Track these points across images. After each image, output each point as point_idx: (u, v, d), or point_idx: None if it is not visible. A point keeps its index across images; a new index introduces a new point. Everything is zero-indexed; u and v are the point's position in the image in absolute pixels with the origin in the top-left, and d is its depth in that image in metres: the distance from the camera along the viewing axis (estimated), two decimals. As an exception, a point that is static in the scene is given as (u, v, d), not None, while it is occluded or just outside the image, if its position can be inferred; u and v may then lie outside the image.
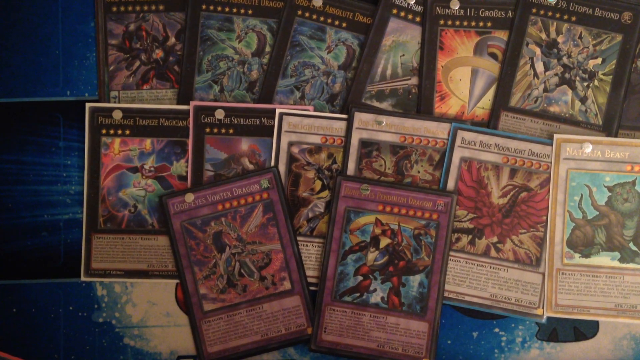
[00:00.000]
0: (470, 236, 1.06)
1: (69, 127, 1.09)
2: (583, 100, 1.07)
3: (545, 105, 1.07)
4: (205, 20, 1.10)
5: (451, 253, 1.06)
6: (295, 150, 1.08)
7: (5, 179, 1.09)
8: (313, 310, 1.06)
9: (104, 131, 1.08)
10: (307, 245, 1.08)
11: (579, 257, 1.05)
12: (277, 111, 1.07)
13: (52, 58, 1.10)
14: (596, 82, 1.07)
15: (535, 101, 1.07)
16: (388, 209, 1.06)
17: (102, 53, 1.10)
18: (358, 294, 1.06)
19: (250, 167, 1.08)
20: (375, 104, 1.09)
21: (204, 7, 1.09)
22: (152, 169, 1.08)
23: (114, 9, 1.10)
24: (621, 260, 1.05)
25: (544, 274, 1.06)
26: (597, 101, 1.06)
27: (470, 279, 1.06)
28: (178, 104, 1.10)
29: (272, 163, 1.08)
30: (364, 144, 1.07)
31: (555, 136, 1.05)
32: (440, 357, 1.08)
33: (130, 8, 1.10)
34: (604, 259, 1.05)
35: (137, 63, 1.10)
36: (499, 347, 1.07)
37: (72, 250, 1.09)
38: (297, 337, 1.06)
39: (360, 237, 1.06)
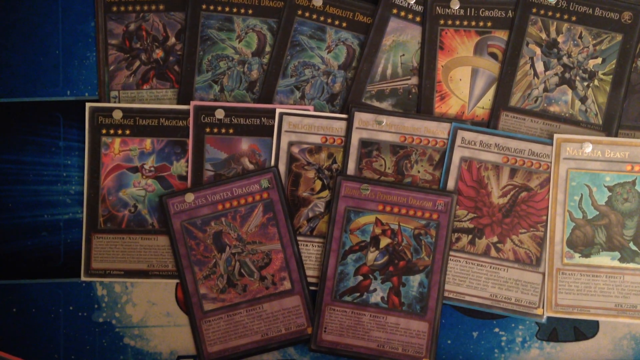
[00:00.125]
0: (470, 236, 1.06)
1: (69, 127, 1.09)
2: (583, 100, 1.07)
3: (545, 105, 1.07)
4: (206, 20, 1.10)
5: (451, 253, 1.06)
6: (295, 150, 1.08)
7: (5, 179, 1.09)
8: (313, 310, 1.06)
9: (104, 131, 1.08)
10: (307, 245, 1.08)
11: (579, 257, 1.05)
12: (277, 111, 1.07)
13: (52, 58, 1.10)
14: (596, 82, 1.07)
15: (535, 101, 1.07)
16: (388, 208, 1.06)
17: (102, 53, 1.10)
18: (358, 294, 1.06)
19: (251, 167, 1.08)
20: (376, 103, 1.09)
21: (204, 6, 1.09)
22: (152, 168, 1.08)
23: (114, 8, 1.10)
24: (621, 260, 1.05)
25: (544, 274, 1.06)
26: (597, 101, 1.06)
27: (470, 278, 1.06)
28: (178, 103, 1.10)
29: (272, 163, 1.08)
30: (364, 143, 1.07)
31: (556, 136, 1.05)
32: (440, 357, 1.08)
33: (130, 8, 1.10)
34: (604, 259, 1.05)
35: (137, 63, 1.10)
36: (499, 347, 1.07)
37: (72, 250, 1.09)
38: (297, 337, 1.06)
39: (361, 236, 1.06)
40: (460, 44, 1.08)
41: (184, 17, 1.10)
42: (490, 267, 1.06)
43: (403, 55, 1.09)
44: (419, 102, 1.08)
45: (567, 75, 1.07)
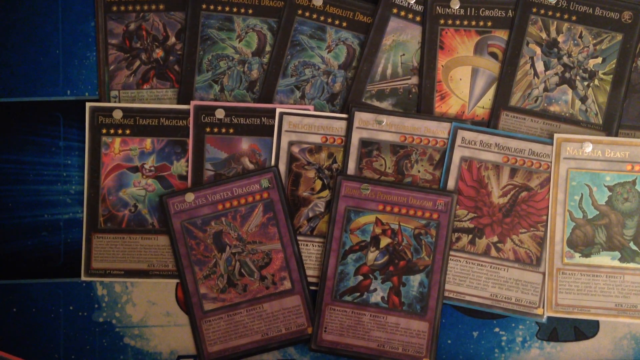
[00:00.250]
0: (470, 236, 1.06)
1: (69, 126, 1.09)
2: (583, 99, 1.07)
3: (545, 104, 1.07)
4: (206, 19, 1.10)
5: (451, 253, 1.06)
6: (295, 149, 1.08)
7: (5, 179, 1.09)
8: (313, 309, 1.06)
9: (104, 131, 1.08)
10: (307, 245, 1.07)
11: (579, 256, 1.05)
12: (278, 111, 1.07)
13: (52, 58, 1.10)
14: (596, 82, 1.07)
15: (536, 101, 1.07)
16: (388, 208, 1.06)
17: (102, 53, 1.10)
18: (358, 294, 1.06)
19: (251, 166, 1.08)
20: (376, 103, 1.09)
21: (204, 6, 1.09)
22: (152, 168, 1.08)
23: (114, 8, 1.10)
24: (621, 259, 1.05)
25: (544, 274, 1.06)
26: (597, 100, 1.06)
27: (471, 278, 1.06)
28: (178, 103, 1.09)
29: (273, 163, 1.08)
30: (364, 143, 1.07)
31: (556, 136, 1.05)
32: (441, 356, 1.08)
33: (130, 8, 1.10)
34: (604, 259, 1.05)
35: (138, 63, 1.10)
36: (499, 347, 1.07)
37: (72, 250, 1.09)
38: (297, 337, 1.06)
39: (361, 236, 1.06)
40: (461, 43, 1.08)
41: (184, 17, 1.10)
42: (491, 266, 1.06)
43: (403, 55, 1.09)
44: (419, 101, 1.08)
45: (567, 74, 1.07)
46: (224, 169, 1.08)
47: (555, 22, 1.07)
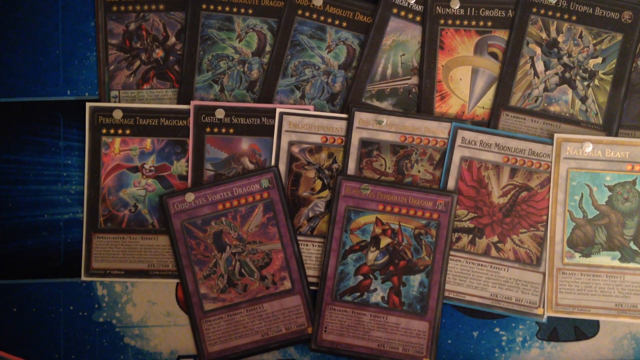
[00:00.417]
0: (470, 236, 1.06)
1: (69, 126, 1.09)
2: (583, 99, 1.07)
3: (545, 104, 1.07)
4: (206, 19, 1.10)
5: (451, 252, 1.06)
6: (295, 149, 1.08)
7: (5, 179, 1.09)
8: (313, 309, 1.06)
9: (104, 131, 1.08)
10: (307, 245, 1.07)
11: (580, 256, 1.05)
12: (278, 111, 1.07)
13: (52, 58, 1.10)
14: (596, 82, 1.07)
15: (536, 100, 1.07)
16: (388, 208, 1.06)
17: (102, 53, 1.10)
18: (358, 294, 1.06)
19: (251, 166, 1.08)
20: (376, 103, 1.09)
21: (204, 6, 1.09)
22: (152, 168, 1.08)
23: (114, 8, 1.10)
24: (622, 259, 1.05)
25: (544, 274, 1.06)
26: (597, 100, 1.06)
27: (471, 278, 1.06)
28: (178, 103, 1.09)
29: (273, 162, 1.08)
30: (365, 143, 1.07)
31: (556, 136, 1.05)
32: (441, 356, 1.08)
33: (130, 8, 1.10)
34: (605, 259, 1.05)
35: (138, 63, 1.10)
36: (500, 347, 1.07)
37: (73, 250, 1.09)
38: (297, 337, 1.06)
39: (361, 236, 1.06)
40: (461, 43, 1.08)
41: (184, 17, 1.10)
42: (491, 266, 1.06)
43: (403, 54, 1.09)
44: (419, 101, 1.08)
45: (567, 74, 1.07)
46: (224, 169, 1.08)
47: (555, 22, 1.07)
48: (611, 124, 1.06)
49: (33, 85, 1.10)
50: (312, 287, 1.07)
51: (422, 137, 1.07)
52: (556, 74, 1.07)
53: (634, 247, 1.05)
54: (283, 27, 1.09)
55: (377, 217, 1.06)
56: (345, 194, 1.06)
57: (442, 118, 1.07)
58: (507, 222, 1.06)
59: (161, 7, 1.10)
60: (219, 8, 1.10)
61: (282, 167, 1.07)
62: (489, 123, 1.07)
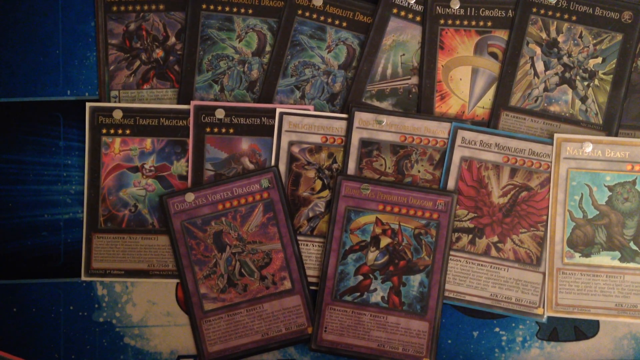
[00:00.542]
0: (470, 236, 1.06)
1: (69, 126, 1.09)
2: (583, 99, 1.07)
3: (545, 104, 1.07)
4: (206, 19, 1.10)
5: (451, 252, 1.06)
6: (295, 149, 1.08)
7: (5, 179, 1.09)
8: (313, 309, 1.06)
9: (104, 131, 1.08)
10: (307, 245, 1.07)
11: (580, 256, 1.05)
12: (278, 111, 1.07)
13: (52, 58, 1.10)
14: (596, 82, 1.07)
15: (536, 100, 1.07)
16: (388, 208, 1.06)
17: (102, 53, 1.10)
18: (358, 294, 1.06)
19: (251, 166, 1.08)
20: (376, 103, 1.09)
21: (204, 6, 1.09)
22: (152, 168, 1.08)
23: (114, 8, 1.10)
24: (621, 259, 1.05)
25: (544, 274, 1.06)
26: (597, 100, 1.07)
27: (471, 278, 1.06)
28: (178, 103, 1.09)
29: (273, 162, 1.08)
30: (365, 143, 1.07)
31: (556, 135, 1.05)
32: (441, 356, 1.08)
33: (130, 8, 1.10)
34: (605, 259, 1.05)
35: (138, 63, 1.10)
36: (500, 347, 1.07)
37: (73, 250, 1.09)
38: (297, 337, 1.06)
39: (361, 236, 1.06)
40: (461, 43, 1.08)
41: (184, 17, 1.10)
42: (491, 266, 1.06)
43: (403, 54, 1.09)
44: (419, 101, 1.08)
45: (567, 74, 1.07)
46: (224, 169, 1.08)
47: (555, 22, 1.07)
48: (611, 124, 1.06)
49: (33, 85, 1.10)
50: (312, 287, 1.07)
51: (422, 137, 1.07)
52: (556, 74, 1.07)
53: (634, 247, 1.05)
54: (283, 27, 1.09)
55: (377, 217, 1.06)
56: (345, 194, 1.06)
57: (442, 118, 1.07)
58: (507, 222, 1.06)
59: (161, 7, 1.10)
60: (219, 8, 1.10)
61: (282, 167, 1.07)
62: (489, 123, 1.07)
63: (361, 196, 1.06)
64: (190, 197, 1.06)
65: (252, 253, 1.07)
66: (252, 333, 1.06)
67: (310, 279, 1.07)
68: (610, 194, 1.05)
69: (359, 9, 1.09)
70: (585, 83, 1.07)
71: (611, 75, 1.06)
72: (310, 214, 1.08)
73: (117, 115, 1.08)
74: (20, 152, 1.09)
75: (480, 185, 1.06)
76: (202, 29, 1.10)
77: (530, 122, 1.07)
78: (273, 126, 1.07)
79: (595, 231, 1.05)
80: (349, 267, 1.06)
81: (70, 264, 1.08)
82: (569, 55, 1.07)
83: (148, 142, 1.08)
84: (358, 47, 1.09)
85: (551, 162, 1.05)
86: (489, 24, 1.08)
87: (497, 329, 1.07)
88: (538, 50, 1.07)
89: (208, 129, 1.08)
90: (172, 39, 1.10)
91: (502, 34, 1.08)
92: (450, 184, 1.06)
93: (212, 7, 1.10)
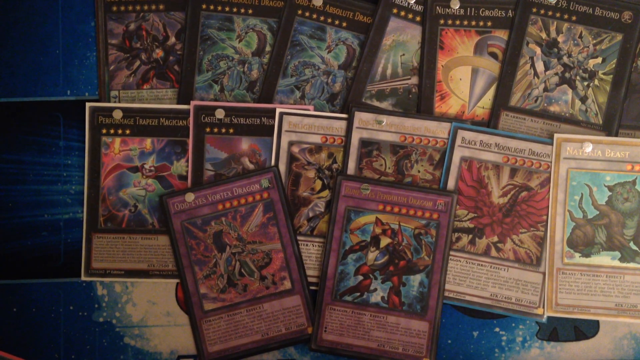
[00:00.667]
0: (470, 236, 1.06)
1: (69, 126, 1.09)
2: (583, 99, 1.07)
3: (545, 104, 1.07)
4: (206, 19, 1.10)
5: (451, 252, 1.06)
6: (295, 149, 1.08)
7: (5, 179, 1.09)
8: (313, 309, 1.06)
9: (104, 131, 1.08)
10: (307, 245, 1.07)
11: (580, 256, 1.05)
12: (278, 111, 1.07)
13: (52, 58, 1.10)
14: (596, 82, 1.07)
15: (536, 101, 1.07)
16: (388, 208, 1.06)
17: (102, 53, 1.10)
18: (358, 294, 1.06)
19: (251, 166, 1.08)
20: (376, 103, 1.09)
21: (204, 6, 1.09)
22: (152, 168, 1.08)
23: (114, 8, 1.10)
24: (621, 259, 1.05)
25: (544, 274, 1.06)
26: (597, 100, 1.07)
27: (471, 278, 1.06)
28: (178, 103, 1.09)
29: (273, 162, 1.08)
30: (364, 143, 1.07)
31: (556, 136, 1.05)
32: (441, 356, 1.08)
33: (130, 8, 1.10)
34: (605, 259, 1.05)
35: (138, 63, 1.10)
36: (500, 347, 1.07)
37: (72, 250, 1.09)
38: (297, 337, 1.06)
39: (361, 236, 1.06)
40: (461, 43, 1.08)
41: (184, 17, 1.10)
42: (491, 266, 1.06)
43: (403, 55, 1.09)
44: (419, 101, 1.08)
45: (567, 74, 1.07)
46: (224, 169, 1.08)
47: (555, 22, 1.07)
48: (611, 124, 1.06)
49: (33, 85, 1.10)
50: (312, 287, 1.07)
51: (422, 137, 1.07)
52: (556, 74, 1.07)
53: (634, 247, 1.05)
54: (283, 27, 1.09)
55: (377, 217, 1.06)
56: (345, 194, 1.06)
57: (442, 118, 1.07)
58: (507, 222, 1.06)
59: (161, 7, 1.10)
60: (219, 8, 1.10)
61: (282, 167, 1.07)
62: (489, 123, 1.07)
63: (361, 196, 1.06)
64: (190, 197, 1.06)
65: (252, 253, 1.07)
66: (252, 333, 1.06)
67: (310, 279, 1.07)
68: (610, 194, 1.05)
69: (359, 9, 1.09)
70: (585, 83, 1.07)
71: (611, 75, 1.06)
72: (310, 214, 1.08)
73: (117, 115, 1.08)
74: (20, 152, 1.09)
75: (480, 185, 1.06)
76: (202, 29, 1.10)
77: (530, 122, 1.07)
78: (273, 126, 1.08)
79: (595, 231, 1.05)
80: (349, 267, 1.06)
81: (70, 264, 1.08)
82: (569, 55, 1.07)
83: (148, 142, 1.08)
84: (358, 47, 1.09)
85: (551, 162, 1.05)
86: (489, 24, 1.08)
87: (497, 329, 1.07)
88: (538, 50, 1.07)
89: (208, 129, 1.08)
90: (172, 39, 1.10)
91: (502, 34, 1.08)
92: (450, 184, 1.06)
93: (212, 7, 1.10)
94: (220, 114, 1.08)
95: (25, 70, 1.10)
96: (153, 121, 1.08)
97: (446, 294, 1.06)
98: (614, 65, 1.06)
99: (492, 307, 1.06)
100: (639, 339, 1.07)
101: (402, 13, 1.09)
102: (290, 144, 1.08)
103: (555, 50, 1.07)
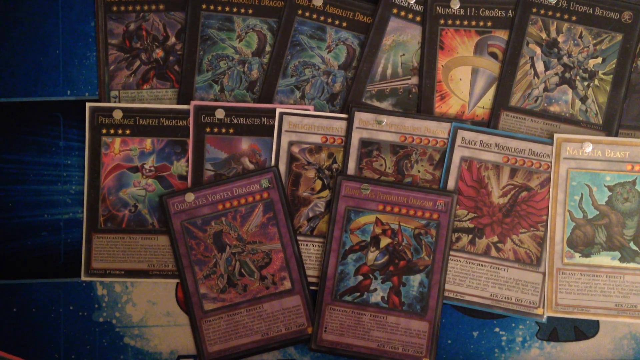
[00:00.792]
0: (470, 236, 1.06)
1: (69, 126, 1.09)
2: (583, 99, 1.07)
3: (545, 104, 1.07)
4: (206, 19, 1.10)
5: (451, 253, 1.06)
6: (295, 149, 1.08)
7: (5, 179, 1.09)
8: (313, 309, 1.06)
9: (104, 131, 1.08)
10: (307, 245, 1.07)
11: (580, 256, 1.05)
12: (278, 111, 1.07)
13: (52, 58, 1.10)
14: (596, 82, 1.07)
15: (536, 101, 1.07)
16: (388, 208, 1.06)
17: (102, 53, 1.10)
18: (358, 294, 1.06)
19: (251, 166, 1.08)
20: (376, 103, 1.09)
21: (204, 6, 1.09)
22: (152, 168, 1.08)
23: (114, 8, 1.10)
24: (621, 259, 1.05)
25: (544, 274, 1.06)
26: (597, 101, 1.07)
27: (471, 278, 1.06)
28: (178, 103, 1.09)
29: (273, 163, 1.08)
30: (364, 143, 1.07)
31: (556, 136, 1.05)
32: (441, 356, 1.08)
33: (130, 8, 1.10)
34: (605, 259, 1.05)
35: (138, 63, 1.10)
36: (500, 347, 1.07)
37: (72, 250, 1.09)
38: (297, 337, 1.06)
39: (361, 236, 1.06)
40: (461, 43, 1.08)
41: (184, 17, 1.10)
42: (491, 266, 1.06)
43: (403, 55, 1.09)
44: (419, 101, 1.08)
45: (567, 75, 1.07)
46: (224, 169, 1.08)
47: (555, 22, 1.07)
48: (611, 124, 1.06)
49: (33, 85, 1.10)
50: (312, 287, 1.07)
51: (422, 137, 1.07)
52: (556, 74, 1.07)
53: (634, 247, 1.05)
54: (283, 27, 1.09)
55: (377, 217, 1.06)
56: (345, 194, 1.06)
57: (442, 118, 1.07)
58: (507, 222, 1.06)
59: (161, 7, 1.10)
60: (219, 8, 1.10)
61: (282, 167, 1.07)
62: (489, 123, 1.07)
63: (361, 196, 1.06)
64: (190, 197, 1.06)
65: (252, 253, 1.07)
66: (252, 333, 1.06)
67: (310, 279, 1.07)
68: (610, 194, 1.05)
69: (359, 9, 1.09)
70: (585, 83, 1.07)
71: (611, 76, 1.06)
72: (310, 214, 1.08)
73: (117, 115, 1.08)
74: (20, 152, 1.09)
75: (480, 185, 1.06)
76: (202, 29, 1.10)
77: (530, 122, 1.07)
78: (273, 126, 1.08)
79: (595, 231, 1.05)
80: (349, 267, 1.06)
81: (70, 264, 1.08)
82: (569, 56, 1.07)
83: (148, 142, 1.08)
84: (358, 47, 1.09)
85: (551, 162, 1.05)
86: (489, 24, 1.08)
87: (497, 329, 1.07)
88: (538, 50, 1.07)
89: (208, 129, 1.08)
90: (172, 39, 1.10)
91: (502, 34, 1.08)
92: (450, 184, 1.06)
93: (212, 7, 1.10)
94: (220, 114, 1.08)
95: (25, 70, 1.10)
96: (153, 121, 1.08)
97: (446, 294, 1.06)
98: (614, 65, 1.06)
99: (492, 307, 1.06)
100: (639, 339, 1.07)
101: (402, 13, 1.09)
102: (290, 144, 1.08)
103: (556, 50, 1.07)
